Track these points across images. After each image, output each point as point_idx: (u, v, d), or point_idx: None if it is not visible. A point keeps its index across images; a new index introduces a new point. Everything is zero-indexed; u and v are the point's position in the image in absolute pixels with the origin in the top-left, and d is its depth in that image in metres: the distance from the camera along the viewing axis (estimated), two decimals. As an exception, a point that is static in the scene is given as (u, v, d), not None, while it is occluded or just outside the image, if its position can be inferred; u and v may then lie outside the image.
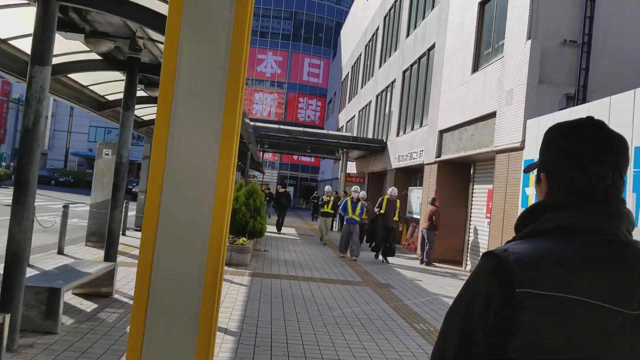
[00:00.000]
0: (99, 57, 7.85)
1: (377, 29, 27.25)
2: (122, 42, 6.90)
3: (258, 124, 26.56)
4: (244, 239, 12.11)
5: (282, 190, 23.17)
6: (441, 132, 15.47)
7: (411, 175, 20.70)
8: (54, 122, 62.56)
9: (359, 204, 14.32)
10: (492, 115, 11.93)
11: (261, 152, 31.23)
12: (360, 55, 32.15)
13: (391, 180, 21.22)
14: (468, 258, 14.38)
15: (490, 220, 11.66)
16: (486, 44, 13.14)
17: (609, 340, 1.04)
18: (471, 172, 14.71)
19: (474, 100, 13.08)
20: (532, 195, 9.83)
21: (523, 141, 10.32)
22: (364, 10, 32.63)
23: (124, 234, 14.78)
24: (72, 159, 65.00)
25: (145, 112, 13.06)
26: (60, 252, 10.49)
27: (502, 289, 1.07)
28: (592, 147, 1.21)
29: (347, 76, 38.11)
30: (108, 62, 7.92)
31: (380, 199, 14.59)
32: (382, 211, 14.20)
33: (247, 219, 12.81)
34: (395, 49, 22.65)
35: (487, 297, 1.08)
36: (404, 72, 20.70)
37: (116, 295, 7.31)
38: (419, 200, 17.84)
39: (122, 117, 7.79)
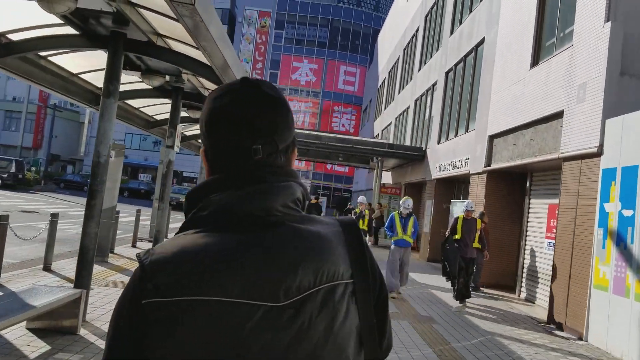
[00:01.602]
0: (149, 87, 8.99)
1: (417, 30, 25.44)
2: (170, 77, 8.11)
3: (288, 129, 25.06)
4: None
5: (314, 201, 22.98)
6: (491, 138, 13.53)
7: (454, 186, 18.73)
8: (90, 128, 62.50)
9: (411, 220, 10.57)
10: (558, 115, 9.99)
11: (292, 160, 29.68)
12: (398, 58, 30.34)
13: (431, 192, 19.29)
14: (523, 284, 12.36)
15: (556, 242, 9.68)
16: (549, 33, 11.21)
17: (248, 339, 0.91)
18: (527, 183, 12.71)
19: (533, 99, 11.14)
20: (613, 212, 7.88)
21: (601, 145, 8.37)
22: (403, 12, 30.86)
23: (134, 246, 13.40)
24: (106, 165, 64.92)
25: (157, 110, 12.01)
26: (47, 268, 9.03)
27: (136, 300, 0.93)
28: (239, 114, 1.02)
29: (383, 82, 36.32)
30: (158, 91, 9.21)
31: (454, 219, 10.81)
32: (457, 236, 10.31)
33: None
34: (437, 49, 20.78)
35: (126, 311, 0.94)
36: (447, 72, 18.81)
37: (83, 331, 5.71)
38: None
39: (102, 105, 6.24)
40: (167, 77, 7.86)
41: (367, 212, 14.50)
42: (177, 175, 61.02)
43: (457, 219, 10.63)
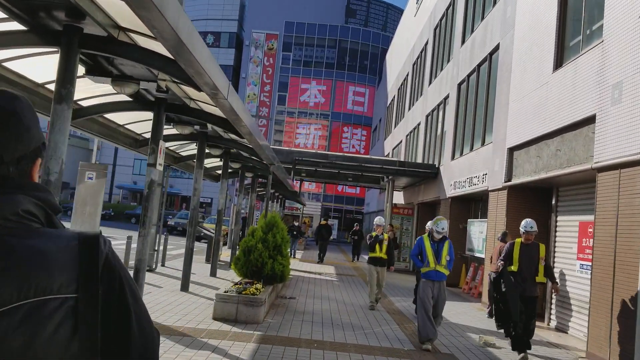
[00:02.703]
0: (129, 99, 8.16)
1: (426, 44, 24.54)
2: (146, 84, 6.96)
3: (294, 149, 24.09)
4: (259, 285, 9.33)
5: (323, 222, 23.69)
6: (511, 150, 12.39)
7: (470, 205, 17.54)
8: (100, 155, 62.20)
9: (446, 246, 8.28)
10: (590, 120, 8.86)
11: (299, 182, 28.66)
12: (407, 75, 29.43)
13: (445, 212, 18.10)
14: (552, 311, 11.08)
15: (593, 264, 8.46)
16: (573, 32, 10.15)
17: None
18: (553, 199, 11.53)
19: (558, 105, 10.04)
20: (665, 229, 6.68)
21: (645, 152, 7.22)
22: (411, 27, 30.03)
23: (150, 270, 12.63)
24: (116, 192, 64.43)
25: (145, 127, 11.89)
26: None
27: None
28: None
29: (392, 100, 35.40)
30: (137, 103, 8.24)
31: (508, 244, 8.28)
32: (513, 267, 7.88)
33: (265, 259, 10.04)
34: (448, 61, 19.80)
35: None
36: (459, 84, 17.78)
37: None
38: (482, 235, 14.67)
39: (53, 113, 5.25)
40: (142, 84, 6.89)
41: (386, 235, 11.27)
42: (187, 200, 60.28)
43: (512, 244, 8.11)
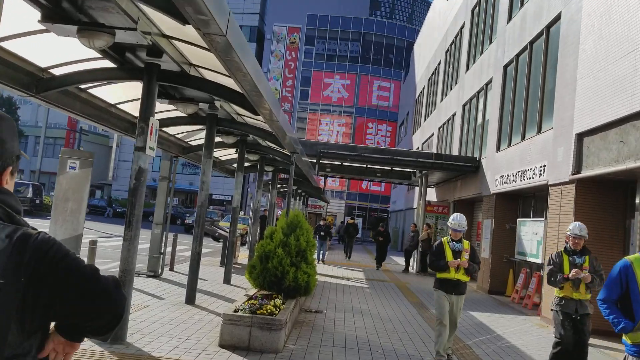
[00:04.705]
0: (113, 65, 6.55)
1: (462, 27, 22.42)
2: (122, 35, 5.31)
3: (318, 141, 22.25)
4: (278, 300, 7.47)
5: (350, 221, 25.09)
6: (580, 136, 10.32)
7: (517, 202, 15.46)
8: (119, 152, 61.30)
9: None
10: None
11: (323, 179, 26.79)
12: (439, 63, 27.30)
13: (489, 210, 16.04)
14: None
15: None
16: (674, -17, 8.08)
17: None
18: (638, 196, 9.46)
19: (653, 75, 7.98)
20: None
21: None
22: (443, 13, 27.90)
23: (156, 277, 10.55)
24: (137, 189, 63.34)
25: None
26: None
27: None
28: None
29: (422, 92, 33.27)
30: (122, 70, 6.62)
31: None
32: None
33: (286, 267, 8.17)
34: (491, 42, 17.70)
35: None
36: (506, 66, 15.69)
37: None
38: (537, 237, 12.62)
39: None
40: (118, 35, 5.12)
41: (467, 244, 6.90)
42: (209, 198, 58.93)
43: None
